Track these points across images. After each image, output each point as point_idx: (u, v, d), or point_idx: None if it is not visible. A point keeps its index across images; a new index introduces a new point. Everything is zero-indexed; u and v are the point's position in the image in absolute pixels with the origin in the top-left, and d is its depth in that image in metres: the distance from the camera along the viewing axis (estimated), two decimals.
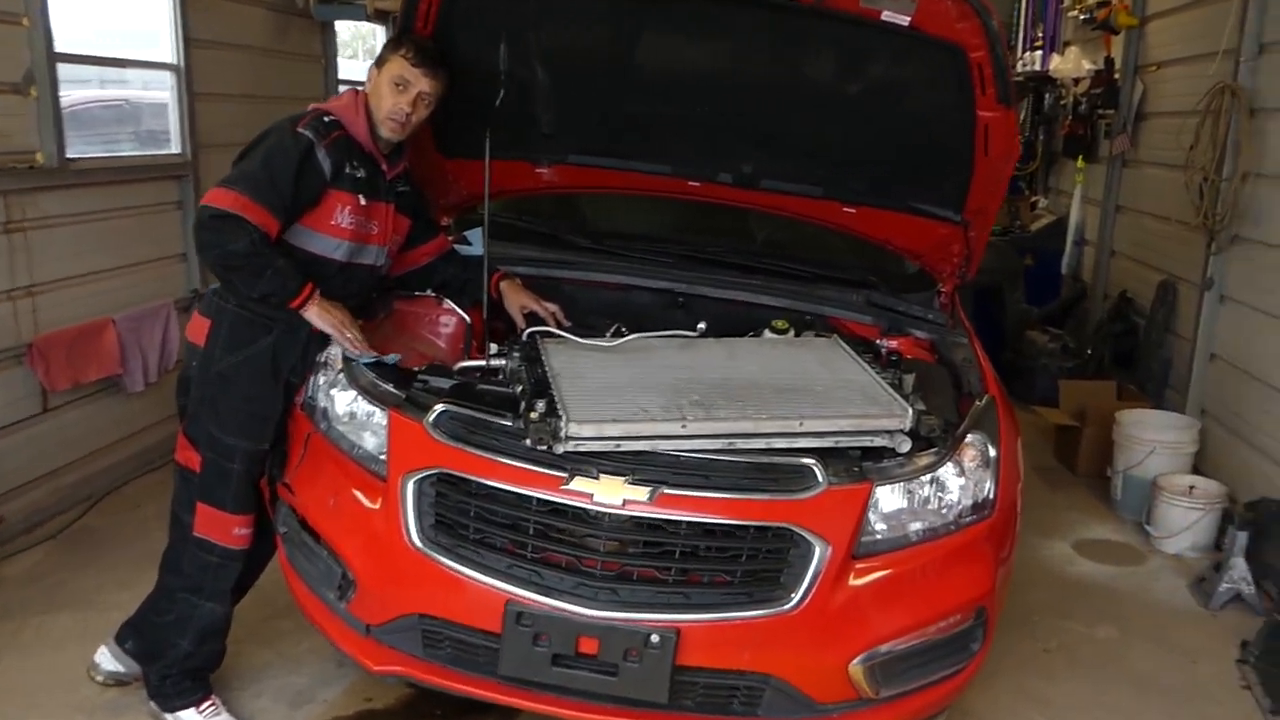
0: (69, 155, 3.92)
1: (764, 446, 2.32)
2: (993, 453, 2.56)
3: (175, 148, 4.71)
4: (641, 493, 2.23)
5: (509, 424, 2.32)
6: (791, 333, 3.06)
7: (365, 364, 2.58)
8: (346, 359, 2.60)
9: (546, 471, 2.26)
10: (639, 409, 2.29)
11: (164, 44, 4.63)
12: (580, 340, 2.61)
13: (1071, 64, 7.25)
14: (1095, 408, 5.03)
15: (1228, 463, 4.52)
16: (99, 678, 2.91)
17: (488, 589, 2.27)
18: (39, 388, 3.85)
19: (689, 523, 2.25)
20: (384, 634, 2.43)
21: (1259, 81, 4.54)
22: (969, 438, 2.54)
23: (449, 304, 3.07)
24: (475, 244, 3.20)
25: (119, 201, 4.28)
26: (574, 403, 2.28)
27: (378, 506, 2.39)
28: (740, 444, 2.30)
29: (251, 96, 5.18)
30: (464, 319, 3.07)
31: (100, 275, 4.16)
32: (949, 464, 2.45)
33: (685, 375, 2.51)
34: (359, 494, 2.45)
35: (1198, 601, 3.85)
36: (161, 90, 4.68)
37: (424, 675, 2.41)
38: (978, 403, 2.69)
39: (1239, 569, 3.75)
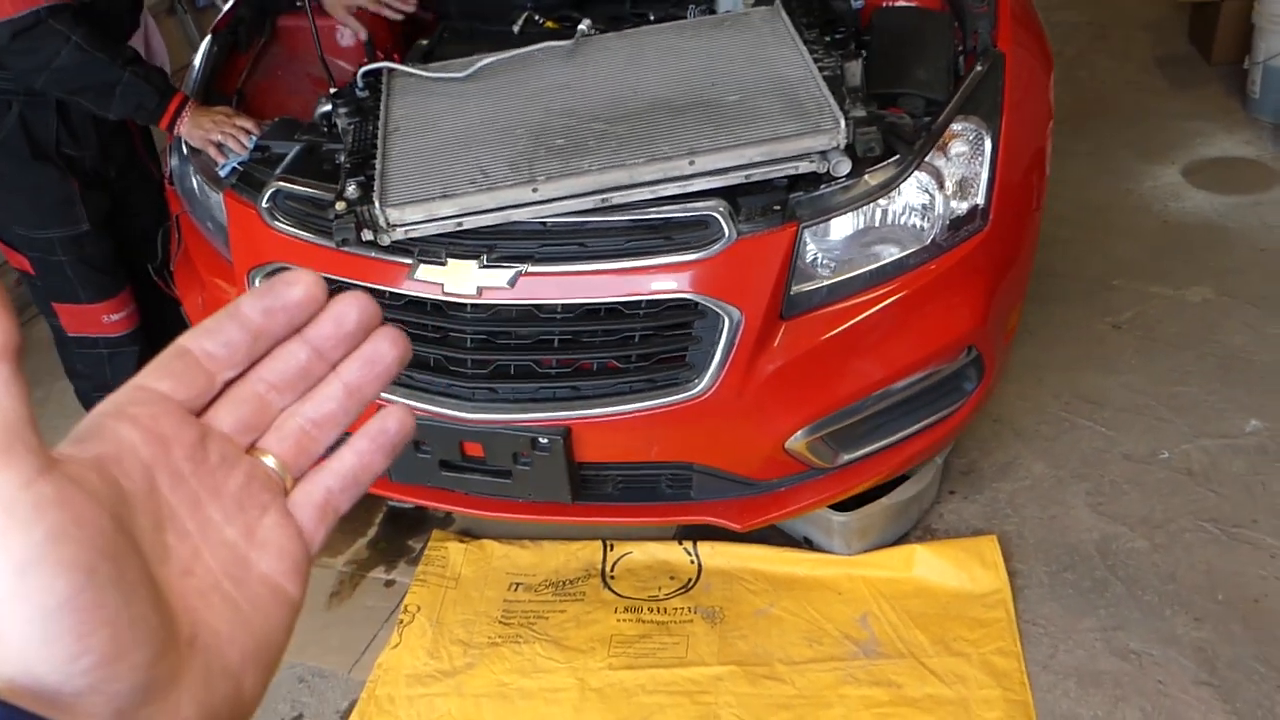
0: None
1: (651, 197, 1.79)
2: (988, 144, 1.93)
3: None
4: (499, 276, 1.80)
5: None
6: None
7: (235, 166, 2.08)
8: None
9: (390, 260, 1.85)
10: (479, 172, 1.78)
11: None
12: (429, 75, 2.01)
13: None
14: None
15: None
16: None
17: None
18: None
19: (564, 305, 1.83)
20: None
21: None
22: (954, 126, 1.92)
23: None
24: None
25: None
26: (397, 177, 1.79)
27: None
28: (618, 199, 1.78)
29: None
30: (358, 28, 2.50)
31: None
32: (918, 174, 1.86)
33: (561, 104, 1.92)
34: (224, 289, 2.14)
35: None
36: None
37: None
38: (978, 67, 2.00)
39: None
